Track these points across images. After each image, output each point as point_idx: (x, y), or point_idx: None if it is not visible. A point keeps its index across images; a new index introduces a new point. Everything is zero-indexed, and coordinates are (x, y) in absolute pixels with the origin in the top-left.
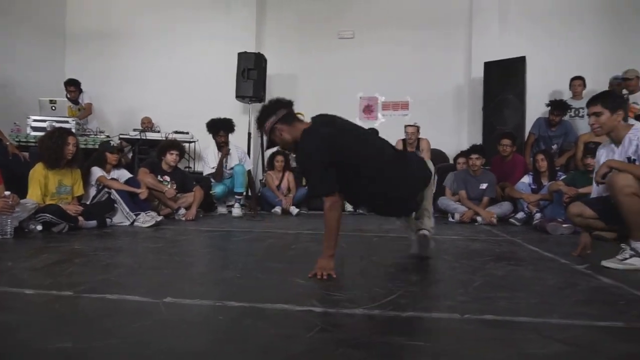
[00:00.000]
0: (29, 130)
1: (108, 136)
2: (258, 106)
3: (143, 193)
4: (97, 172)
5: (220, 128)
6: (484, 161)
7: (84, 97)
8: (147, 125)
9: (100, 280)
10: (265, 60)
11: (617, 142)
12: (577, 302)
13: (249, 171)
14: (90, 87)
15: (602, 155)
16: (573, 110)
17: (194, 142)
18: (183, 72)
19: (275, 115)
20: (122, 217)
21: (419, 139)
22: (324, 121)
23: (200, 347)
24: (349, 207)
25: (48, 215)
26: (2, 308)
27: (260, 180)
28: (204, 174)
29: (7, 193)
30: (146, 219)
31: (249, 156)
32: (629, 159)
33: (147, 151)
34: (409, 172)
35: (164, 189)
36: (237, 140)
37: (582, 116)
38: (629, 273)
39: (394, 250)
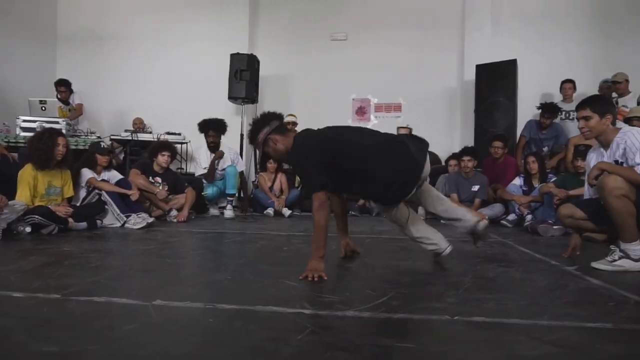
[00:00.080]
0: (18, 130)
1: (99, 137)
2: (251, 107)
3: (134, 194)
4: (87, 173)
5: (209, 128)
6: (476, 163)
7: (74, 98)
8: (139, 126)
9: (90, 283)
10: (258, 62)
11: (606, 145)
12: (567, 303)
13: (241, 172)
14: (81, 88)
15: (592, 159)
16: (563, 113)
17: (186, 143)
18: (175, 73)
19: (269, 126)
20: (112, 218)
21: None
22: (312, 131)
23: (189, 350)
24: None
25: (37, 216)
26: None
27: (253, 181)
28: (196, 174)
29: None
30: (137, 221)
31: (242, 157)
32: (616, 162)
33: (139, 152)
34: (404, 155)
35: (155, 191)
36: (230, 142)
37: (573, 119)
38: (617, 274)
39: (386, 252)
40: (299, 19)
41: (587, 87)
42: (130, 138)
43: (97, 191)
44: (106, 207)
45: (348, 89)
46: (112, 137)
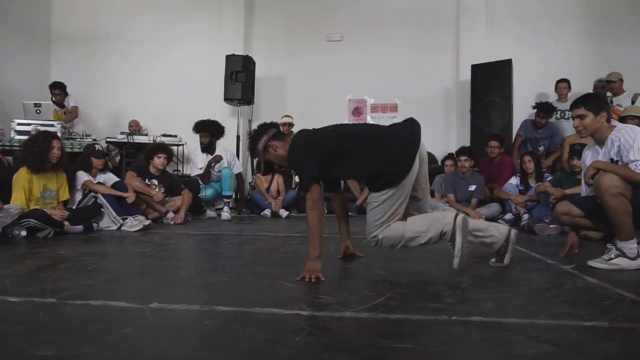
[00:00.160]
0: (13, 134)
1: (95, 140)
2: (247, 109)
3: (130, 197)
4: (82, 176)
5: (200, 129)
6: (473, 163)
7: (69, 100)
8: (135, 128)
9: (86, 286)
10: (253, 63)
11: (601, 143)
12: (564, 302)
13: (239, 174)
14: (76, 90)
15: (588, 157)
16: (559, 112)
17: (182, 145)
18: (171, 75)
19: (267, 134)
20: (109, 221)
21: None
22: (308, 130)
23: (186, 353)
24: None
25: (32, 220)
26: None
27: (250, 182)
28: (192, 174)
29: None
30: (134, 223)
31: (238, 158)
32: (611, 159)
33: (135, 154)
34: (395, 138)
35: (151, 193)
36: (226, 143)
37: (568, 118)
38: (614, 273)
39: (383, 252)
40: (294, 20)
41: (582, 87)
42: (126, 140)
43: (93, 194)
44: (102, 209)
45: (344, 89)
46: (107, 139)
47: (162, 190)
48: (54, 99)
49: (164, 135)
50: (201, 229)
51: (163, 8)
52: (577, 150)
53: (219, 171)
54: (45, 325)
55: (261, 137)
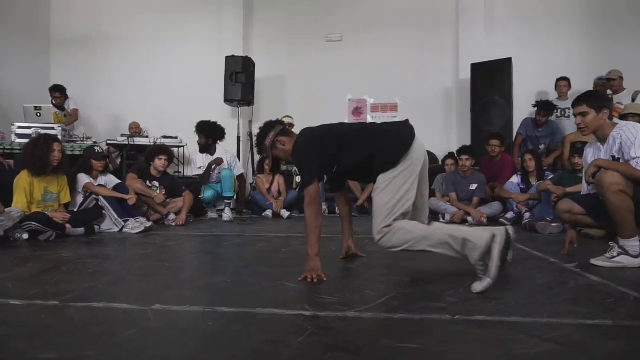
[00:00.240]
0: (13, 137)
1: (95, 142)
2: (247, 110)
3: (132, 199)
4: (83, 179)
5: (196, 130)
6: (474, 162)
7: (69, 103)
8: (135, 130)
9: (88, 289)
10: (253, 64)
11: (603, 140)
12: (566, 300)
13: (241, 175)
14: (76, 92)
15: (589, 154)
16: (559, 110)
17: (183, 146)
18: (171, 77)
19: (274, 130)
20: (110, 223)
21: None
22: (311, 128)
23: (188, 354)
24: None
25: (34, 223)
26: None
27: (251, 183)
28: (191, 174)
29: None
30: (135, 225)
31: (239, 159)
32: (613, 157)
33: (136, 157)
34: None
35: (152, 195)
36: (226, 144)
37: (568, 116)
38: (616, 271)
39: (385, 252)
40: (294, 20)
41: (582, 85)
42: (126, 142)
43: (94, 196)
44: (104, 212)
45: (344, 89)
46: (108, 141)
47: (163, 192)
48: (54, 102)
49: (165, 137)
50: (202, 230)
51: (163, 8)
52: (578, 149)
53: (219, 173)
54: (48, 327)
55: (268, 133)
